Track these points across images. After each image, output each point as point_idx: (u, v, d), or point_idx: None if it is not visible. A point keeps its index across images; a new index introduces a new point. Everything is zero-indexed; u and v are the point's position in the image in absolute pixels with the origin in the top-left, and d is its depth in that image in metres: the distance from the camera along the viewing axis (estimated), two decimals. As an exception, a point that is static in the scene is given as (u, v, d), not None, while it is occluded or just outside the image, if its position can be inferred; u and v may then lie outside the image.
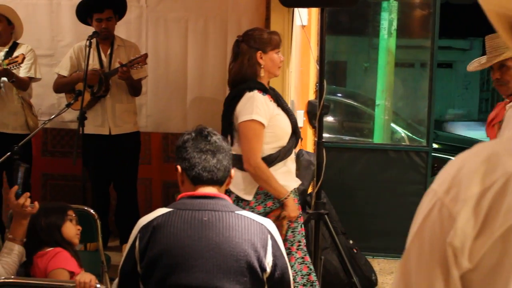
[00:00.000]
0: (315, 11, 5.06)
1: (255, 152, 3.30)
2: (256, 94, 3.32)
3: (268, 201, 3.38)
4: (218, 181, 2.36)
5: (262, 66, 3.40)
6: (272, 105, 3.37)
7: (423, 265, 1.08)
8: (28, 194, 2.77)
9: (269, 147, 3.36)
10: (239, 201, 3.37)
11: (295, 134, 3.48)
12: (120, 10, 5.06)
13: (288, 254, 3.43)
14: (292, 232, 3.48)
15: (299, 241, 3.52)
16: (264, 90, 3.38)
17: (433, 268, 1.06)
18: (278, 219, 3.33)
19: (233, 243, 2.21)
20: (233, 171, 2.44)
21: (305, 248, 3.55)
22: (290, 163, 3.47)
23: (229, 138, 3.37)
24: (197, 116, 5.32)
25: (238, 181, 3.37)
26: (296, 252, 3.49)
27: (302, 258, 3.51)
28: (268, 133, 3.33)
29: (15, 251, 2.77)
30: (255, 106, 3.28)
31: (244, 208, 3.23)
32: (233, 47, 3.51)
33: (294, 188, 3.50)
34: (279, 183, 3.34)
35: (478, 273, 1.03)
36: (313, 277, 3.53)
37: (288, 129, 3.43)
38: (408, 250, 1.13)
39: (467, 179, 1.04)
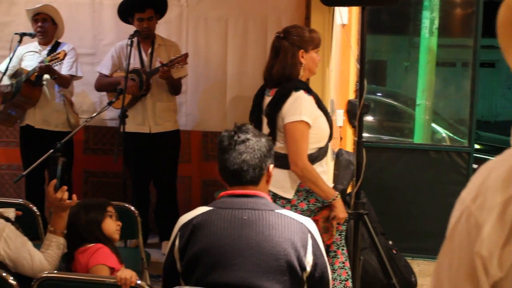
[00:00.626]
0: (355, 10, 5.04)
1: (302, 153, 3.26)
2: (302, 94, 3.29)
3: (311, 197, 3.36)
4: (249, 182, 2.35)
5: (303, 65, 3.37)
6: (315, 106, 3.35)
7: (453, 273, 1.08)
8: (65, 187, 2.80)
9: (310, 147, 3.34)
10: (277, 199, 3.34)
11: (330, 135, 3.47)
12: (161, 10, 5.11)
13: (333, 257, 3.42)
14: (339, 235, 3.46)
15: (343, 245, 3.51)
16: (309, 90, 3.35)
17: (464, 277, 1.05)
18: (328, 220, 3.32)
19: (273, 242, 2.22)
20: (271, 167, 2.42)
21: (346, 253, 3.53)
22: (324, 164, 3.47)
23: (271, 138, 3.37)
24: (236, 115, 5.32)
25: (276, 179, 3.31)
26: (340, 256, 3.47)
27: (343, 263, 3.49)
28: (311, 134, 3.31)
29: (56, 243, 2.82)
30: (303, 107, 3.25)
31: (284, 206, 3.22)
32: (273, 43, 3.47)
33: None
34: (327, 184, 3.32)
35: (509, 280, 1.01)
36: (350, 283, 3.50)
37: (328, 131, 3.42)
38: (439, 258, 1.13)
39: (493, 187, 1.03)
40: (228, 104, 5.57)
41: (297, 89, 3.30)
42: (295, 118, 3.26)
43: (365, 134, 4.11)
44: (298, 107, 3.25)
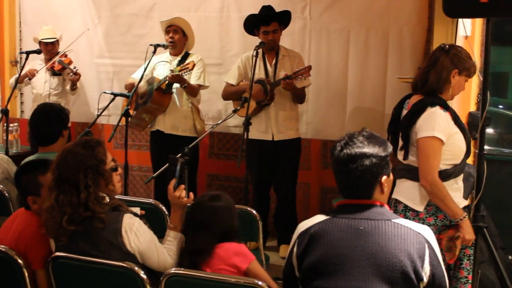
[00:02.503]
0: (479, 22, 4.97)
1: (433, 169, 3.22)
2: (438, 110, 3.24)
3: (440, 213, 3.30)
4: (361, 196, 2.37)
5: (451, 85, 3.33)
6: (451, 123, 3.29)
7: None
8: (183, 186, 2.95)
9: (444, 163, 3.28)
10: (407, 211, 3.32)
11: (468, 152, 3.39)
12: (285, 22, 5.26)
13: (465, 283, 3.34)
14: (468, 259, 3.36)
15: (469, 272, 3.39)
16: (446, 107, 3.30)
17: None
18: (452, 240, 3.25)
19: (389, 253, 2.23)
20: (385, 178, 2.37)
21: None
22: (459, 181, 3.39)
23: (403, 151, 3.34)
24: (355, 125, 5.35)
25: (409, 191, 3.33)
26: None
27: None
28: (445, 151, 3.25)
29: (176, 238, 2.96)
30: (436, 123, 3.21)
31: (413, 219, 3.23)
32: (434, 52, 3.43)
33: (464, 207, 3.39)
34: (455, 203, 3.26)
35: None
36: None
37: (464, 148, 3.33)
38: None
39: None
40: (348, 114, 5.64)
41: (433, 105, 3.26)
42: (428, 133, 3.21)
43: (485, 147, 4.03)
44: (432, 122, 3.21)
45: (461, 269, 3.36)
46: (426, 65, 3.40)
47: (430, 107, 3.26)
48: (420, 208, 3.31)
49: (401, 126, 3.37)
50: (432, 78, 3.33)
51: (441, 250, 3.25)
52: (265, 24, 5.12)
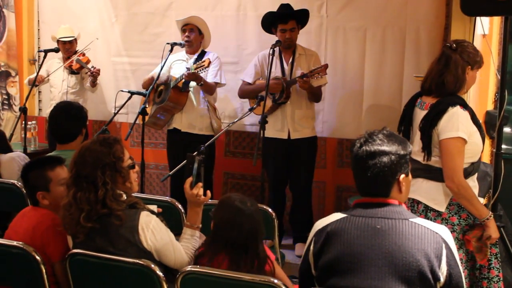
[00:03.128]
0: (497, 20, 4.93)
1: (458, 170, 3.17)
2: (459, 110, 3.19)
3: (463, 212, 3.26)
4: (379, 194, 2.37)
5: (466, 81, 3.30)
6: (470, 122, 3.24)
7: None
8: (200, 184, 2.93)
9: (464, 162, 3.23)
10: (428, 211, 3.27)
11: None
12: (302, 20, 5.25)
13: (497, 281, 3.29)
14: (495, 258, 3.30)
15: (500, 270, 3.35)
16: (465, 105, 3.25)
17: None
18: (480, 240, 3.20)
19: (405, 252, 2.23)
20: (403, 177, 2.38)
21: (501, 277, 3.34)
22: (475, 179, 3.35)
23: (425, 152, 3.28)
24: (372, 123, 5.37)
25: (429, 191, 3.29)
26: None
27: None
28: (466, 150, 3.20)
29: (193, 236, 2.96)
30: (460, 123, 3.16)
31: (435, 219, 3.21)
32: (443, 52, 3.36)
33: None
34: (481, 202, 3.22)
35: None
36: None
37: (481, 146, 3.29)
38: None
39: None
40: (364, 112, 5.64)
41: (454, 105, 3.20)
42: (452, 134, 3.16)
43: (503, 146, 4.00)
44: (455, 123, 3.17)
45: (491, 269, 3.30)
46: (438, 67, 3.34)
47: (451, 107, 3.21)
48: (442, 208, 3.27)
49: (422, 127, 3.31)
50: (448, 80, 3.28)
51: (471, 251, 3.25)
52: (282, 22, 5.13)
